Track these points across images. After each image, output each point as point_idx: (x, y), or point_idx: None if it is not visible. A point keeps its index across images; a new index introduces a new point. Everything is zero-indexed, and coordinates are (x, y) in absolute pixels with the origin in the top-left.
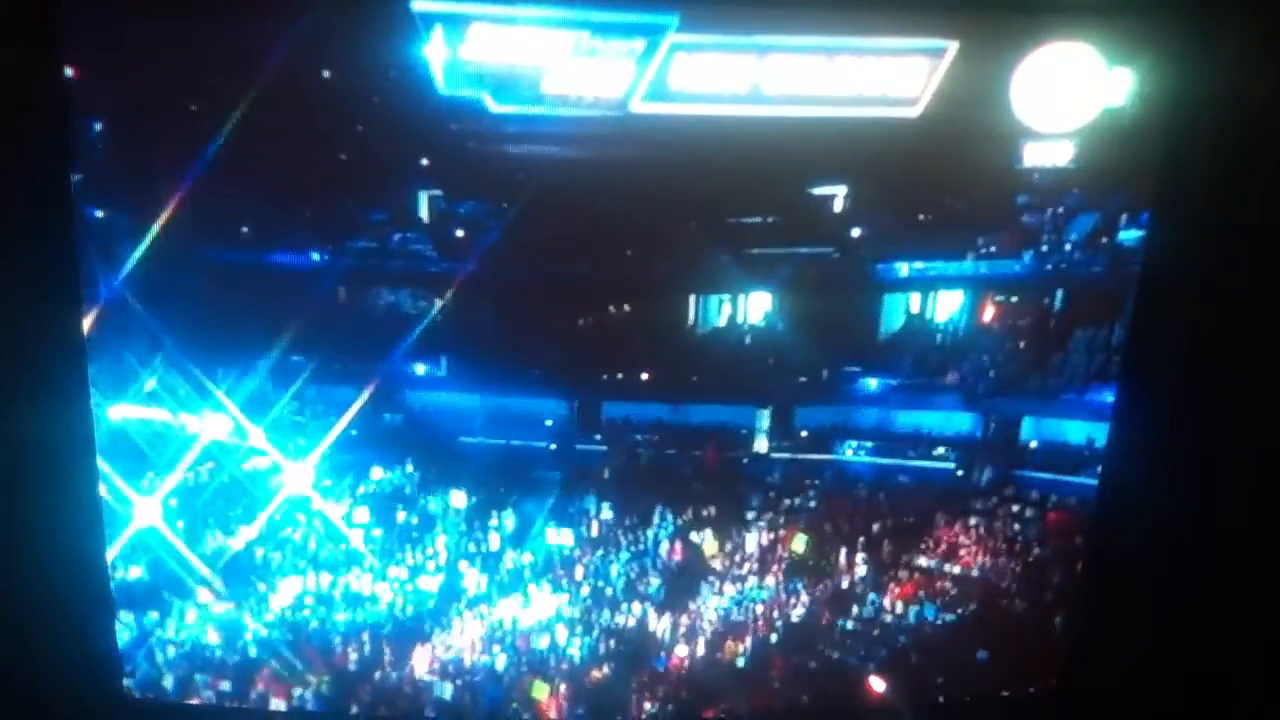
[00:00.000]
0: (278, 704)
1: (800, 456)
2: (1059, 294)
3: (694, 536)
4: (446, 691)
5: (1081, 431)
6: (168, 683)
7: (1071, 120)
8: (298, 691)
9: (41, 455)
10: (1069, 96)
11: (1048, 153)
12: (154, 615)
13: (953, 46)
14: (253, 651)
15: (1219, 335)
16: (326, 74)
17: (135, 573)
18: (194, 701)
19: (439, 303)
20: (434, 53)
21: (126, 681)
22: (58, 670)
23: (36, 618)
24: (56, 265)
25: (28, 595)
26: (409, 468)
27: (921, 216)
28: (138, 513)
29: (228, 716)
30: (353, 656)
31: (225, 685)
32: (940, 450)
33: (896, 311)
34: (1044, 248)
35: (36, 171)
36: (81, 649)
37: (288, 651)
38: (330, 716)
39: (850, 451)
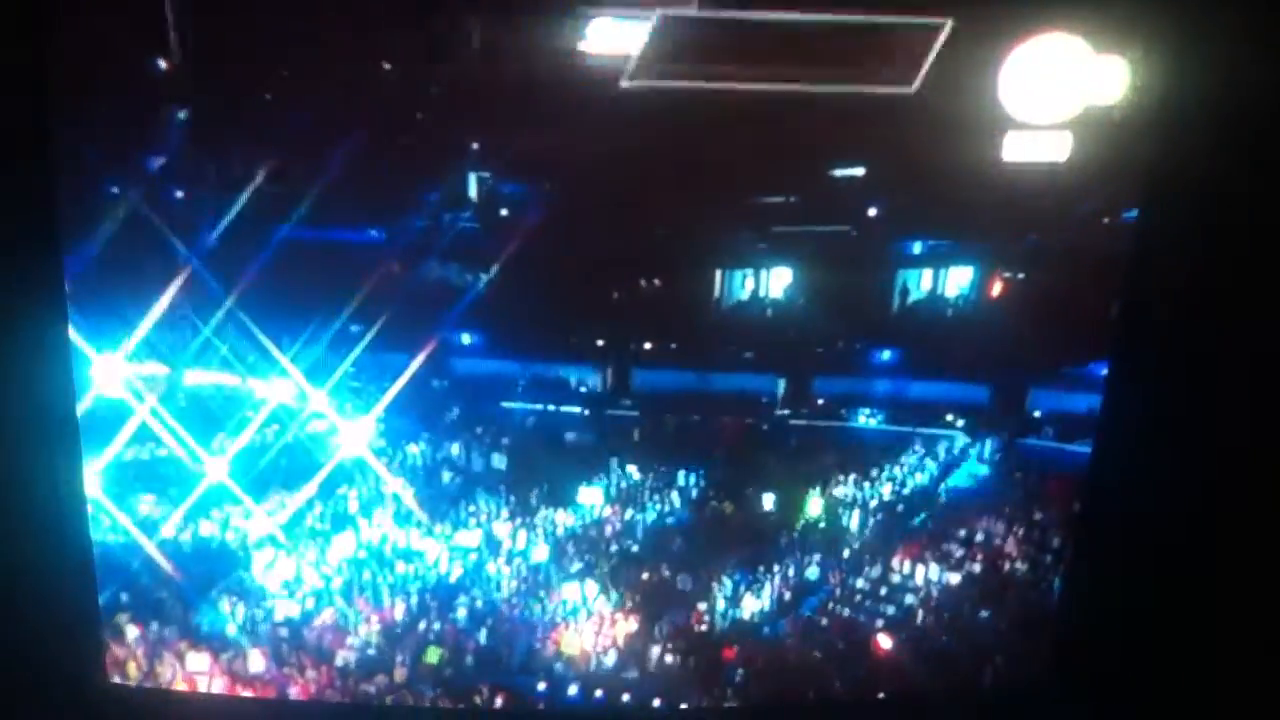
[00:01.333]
0: (342, 655)
1: (816, 423)
2: (1061, 270)
3: (716, 498)
4: (482, 638)
5: (1083, 403)
6: (232, 628)
7: (1062, 111)
8: (351, 640)
9: (25, 450)
10: (1059, 87)
11: (1041, 142)
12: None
13: (948, 24)
14: (309, 603)
15: (1207, 314)
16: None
17: (206, 529)
18: (172, 689)
19: (484, 277)
20: None
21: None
22: (42, 661)
23: (21, 610)
24: (36, 257)
25: (11, 587)
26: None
27: (929, 198)
28: (209, 472)
29: (204, 703)
30: (400, 607)
31: (284, 633)
32: (948, 418)
33: (908, 287)
34: (1046, 228)
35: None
36: (66, 640)
37: (342, 602)
38: (310, 707)
39: (863, 419)
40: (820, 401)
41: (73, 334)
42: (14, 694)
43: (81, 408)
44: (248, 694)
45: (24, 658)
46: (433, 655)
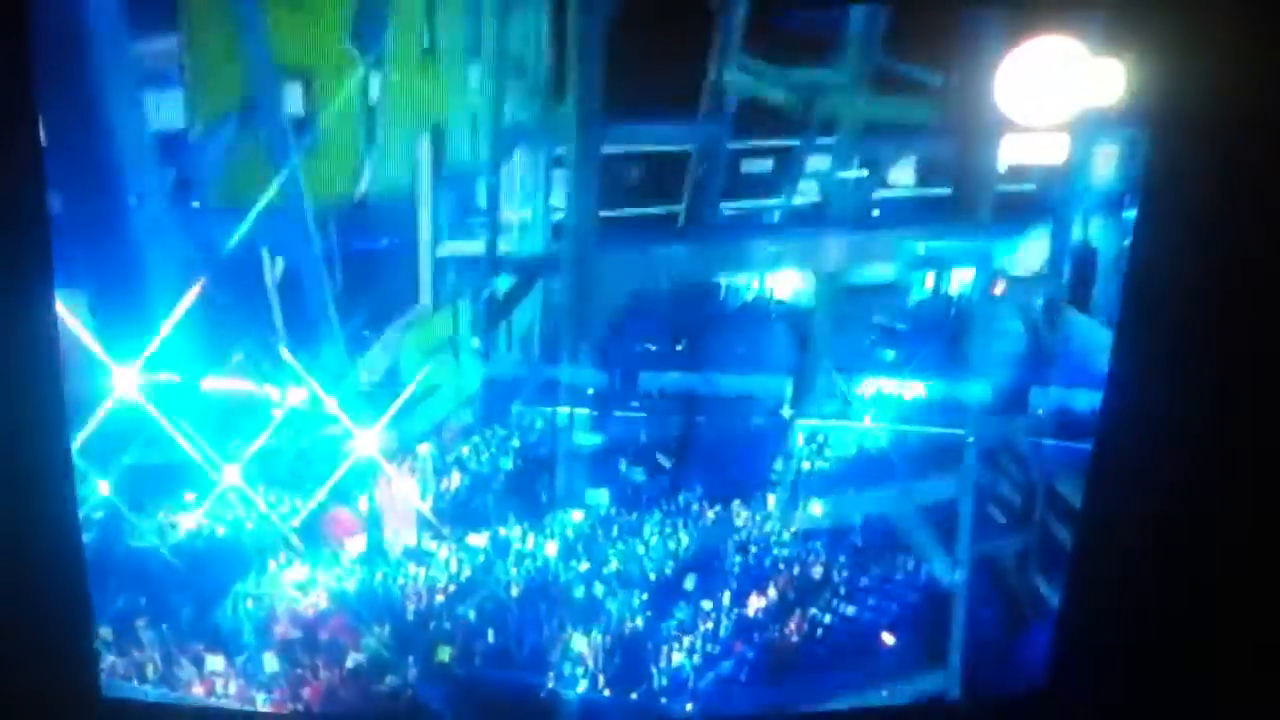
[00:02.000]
0: (354, 657)
1: (821, 423)
2: (1065, 268)
3: (721, 499)
4: (490, 637)
5: (1086, 400)
6: (248, 631)
7: (1060, 113)
8: (364, 640)
9: (14, 459)
10: (1059, 90)
11: (1039, 144)
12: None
13: None
14: (323, 603)
15: (1207, 314)
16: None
17: (220, 531)
18: (164, 704)
19: (494, 280)
20: None
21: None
22: (36, 673)
23: (13, 623)
24: (26, 261)
25: (3, 600)
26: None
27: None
28: (224, 474)
29: (201, 716)
30: (410, 607)
31: (296, 634)
32: (951, 417)
33: (913, 286)
34: (1049, 226)
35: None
36: (60, 653)
37: (354, 603)
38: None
39: (867, 419)
40: (825, 401)
41: (88, 342)
42: (7, 708)
43: (96, 416)
44: (236, 707)
45: (16, 672)
46: (443, 653)
